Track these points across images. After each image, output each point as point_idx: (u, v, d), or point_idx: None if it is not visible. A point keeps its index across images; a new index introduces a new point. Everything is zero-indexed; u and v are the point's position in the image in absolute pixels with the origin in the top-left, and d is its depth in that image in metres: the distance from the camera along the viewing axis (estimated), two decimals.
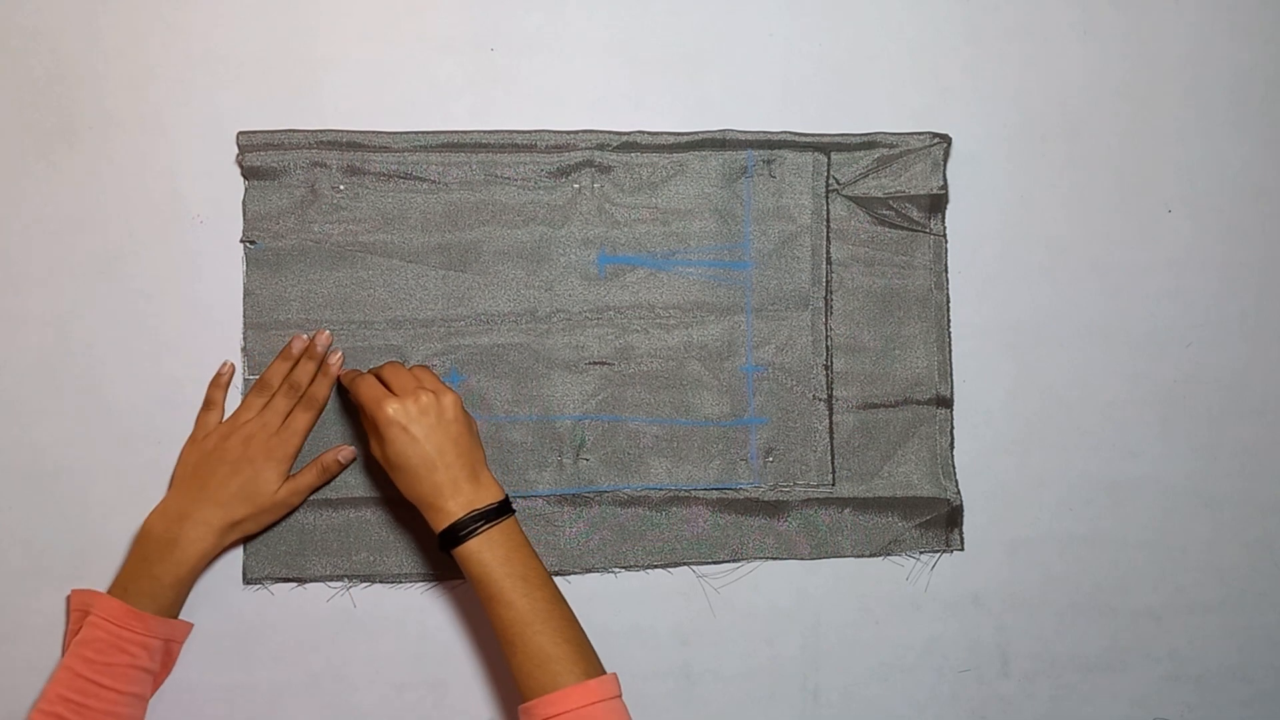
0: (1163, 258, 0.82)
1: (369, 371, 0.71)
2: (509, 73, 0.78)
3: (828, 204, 0.80)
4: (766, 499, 0.78)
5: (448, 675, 0.76)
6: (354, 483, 0.76)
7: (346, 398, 0.75)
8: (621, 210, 0.78)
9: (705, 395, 0.78)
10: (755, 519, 0.78)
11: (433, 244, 0.77)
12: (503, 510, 0.67)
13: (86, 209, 0.75)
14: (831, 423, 0.79)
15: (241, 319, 0.76)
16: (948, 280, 0.80)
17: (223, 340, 0.75)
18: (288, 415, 0.72)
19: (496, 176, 0.77)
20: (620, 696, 0.64)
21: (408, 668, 0.75)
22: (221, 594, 0.74)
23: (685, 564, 0.78)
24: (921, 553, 0.80)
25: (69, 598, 0.71)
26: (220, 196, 0.76)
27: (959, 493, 0.80)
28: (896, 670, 0.79)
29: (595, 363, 0.78)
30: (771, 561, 0.78)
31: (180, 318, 0.75)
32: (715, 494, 0.78)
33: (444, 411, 0.67)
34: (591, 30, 0.79)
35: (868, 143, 0.80)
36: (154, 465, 0.74)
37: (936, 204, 0.80)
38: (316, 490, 0.74)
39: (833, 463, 0.79)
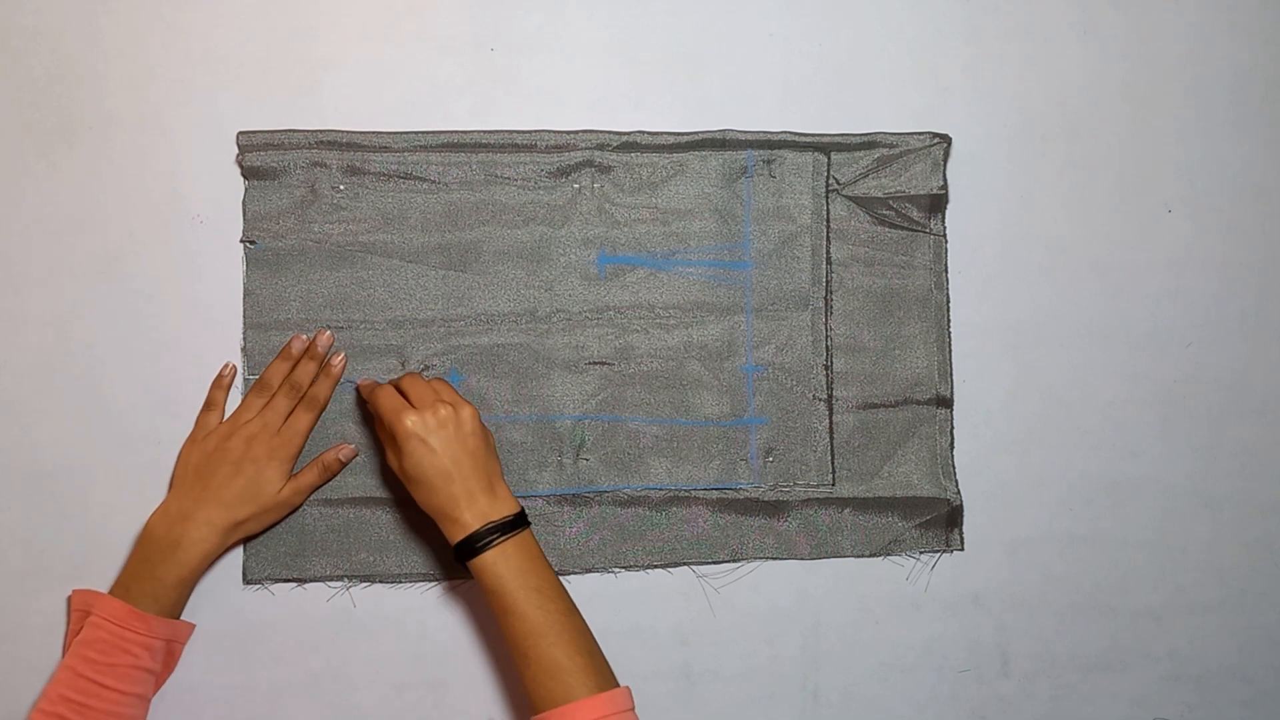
0: (1163, 258, 0.82)
1: (388, 383, 0.71)
2: (509, 73, 0.78)
3: (828, 204, 0.80)
4: (766, 499, 0.78)
5: (448, 675, 0.76)
6: (354, 483, 0.76)
7: (352, 402, 0.76)
8: (621, 210, 0.78)
9: (705, 395, 0.78)
10: (755, 519, 0.78)
11: (433, 244, 0.77)
12: (518, 523, 0.68)
13: (86, 209, 0.75)
14: (831, 423, 0.79)
15: (241, 319, 0.75)
16: (948, 280, 0.80)
17: (223, 340, 0.75)
18: (289, 415, 0.72)
19: (496, 176, 0.77)
20: (633, 710, 0.64)
21: (408, 668, 0.75)
22: (221, 594, 0.74)
23: (685, 564, 0.78)
24: (921, 553, 0.80)
25: (70, 598, 0.71)
26: (220, 196, 0.76)
27: (959, 493, 0.80)
28: (896, 670, 0.79)
29: (595, 363, 0.78)
30: (771, 561, 0.78)
31: (180, 318, 0.75)
32: (715, 494, 0.78)
33: (462, 424, 0.68)
34: (591, 30, 0.79)
35: (868, 143, 0.80)
36: (154, 465, 0.74)
37: (936, 204, 0.80)
38: (318, 489, 0.74)
39: (833, 463, 0.79)
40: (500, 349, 0.77)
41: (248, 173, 0.76)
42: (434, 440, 0.67)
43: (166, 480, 0.74)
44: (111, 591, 0.69)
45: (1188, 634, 0.82)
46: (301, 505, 0.74)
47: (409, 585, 0.76)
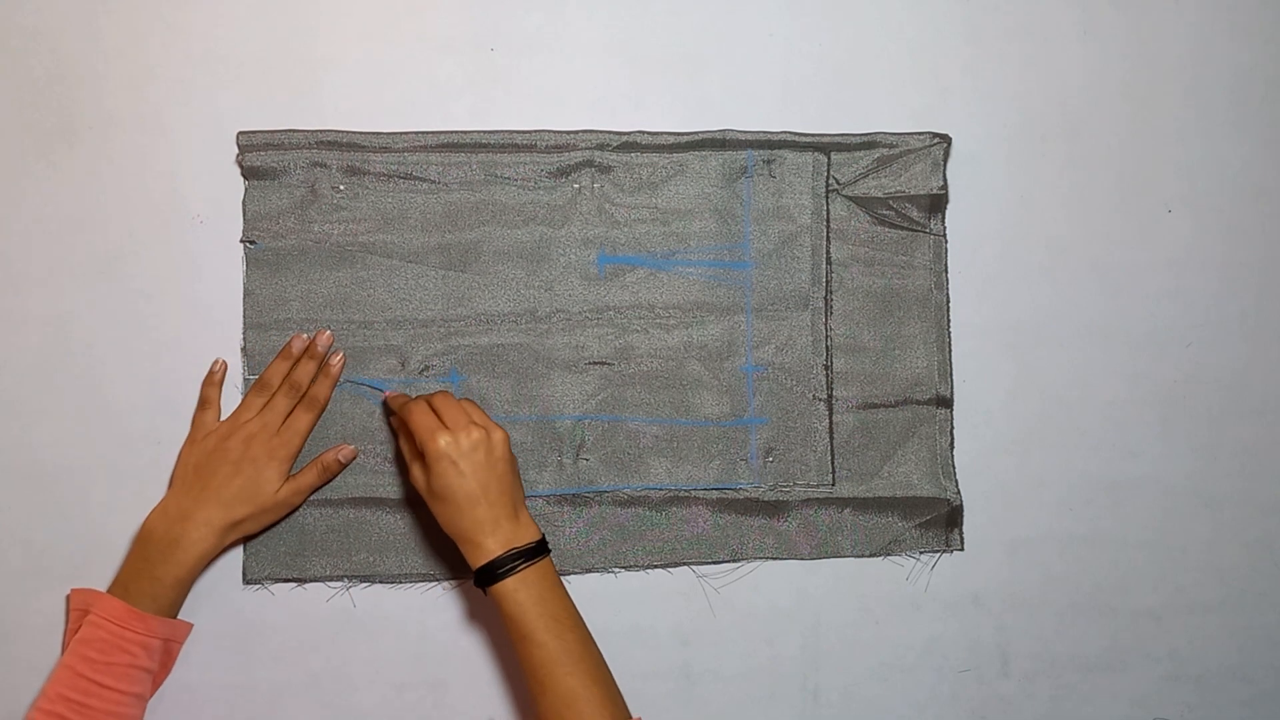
0: (1163, 258, 0.82)
1: (420, 398, 0.71)
2: (509, 73, 0.78)
3: (828, 204, 0.80)
4: (766, 499, 0.78)
5: (448, 675, 0.76)
6: (354, 483, 0.76)
7: (351, 402, 0.75)
8: (621, 210, 0.78)
9: (705, 395, 0.78)
10: (755, 519, 0.78)
11: (433, 244, 0.77)
12: (540, 550, 0.68)
13: (86, 209, 0.75)
14: (831, 423, 0.79)
15: (241, 319, 0.75)
16: (948, 280, 0.80)
17: (223, 340, 0.75)
18: (288, 415, 0.72)
19: (496, 176, 0.77)
20: None
21: (408, 668, 0.75)
22: (221, 594, 0.74)
23: (685, 564, 0.78)
24: (921, 553, 0.80)
25: (69, 597, 0.71)
26: (220, 196, 0.76)
27: (959, 493, 0.80)
28: (896, 670, 0.79)
29: (595, 363, 0.78)
30: (771, 561, 0.78)
31: (180, 318, 0.75)
32: (715, 494, 0.78)
33: (493, 449, 0.68)
34: (591, 30, 0.79)
35: (868, 143, 0.80)
36: (154, 465, 0.74)
37: (936, 204, 0.80)
38: (317, 490, 0.74)
39: (833, 463, 0.79)
40: (500, 349, 0.77)
41: (248, 173, 0.76)
42: (464, 463, 0.67)
43: (166, 480, 0.74)
44: (110, 590, 0.69)
45: (1188, 634, 0.82)
46: (300, 506, 0.74)
47: (409, 585, 0.76)
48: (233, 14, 0.77)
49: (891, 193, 0.80)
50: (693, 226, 0.79)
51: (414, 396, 0.73)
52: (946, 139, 0.80)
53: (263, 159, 0.76)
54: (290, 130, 0.76)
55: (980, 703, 0.80)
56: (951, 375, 0.80)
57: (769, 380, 0.79)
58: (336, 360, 0.75)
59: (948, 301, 0.80)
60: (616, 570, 0.77)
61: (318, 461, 0.73)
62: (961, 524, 0.80)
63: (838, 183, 0.80)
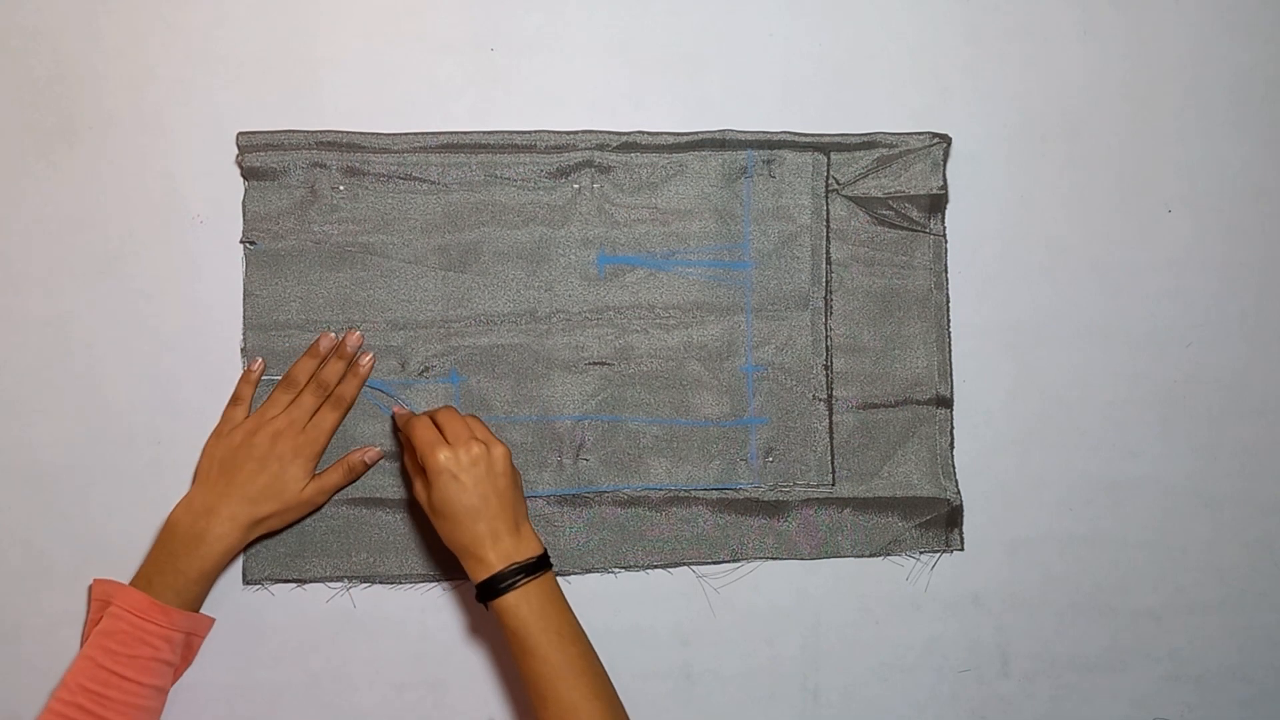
0: (1163, 258, 0.82)
1: (423, 414, 0.71)
2: (509, 73, 0.78)
3: (827, 204, 0.80)
4: (766, 499, 0.78)
5: (448, 675, 0.76)
6: (353, 484, 0.75)
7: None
8: (621, 210, 0.78)
9: (705, 395, 0.78)
10: (755, 519, 0.78)
11: (432, 245, 0.77)
12: (541, 564, 0.68)
13: (86, 209, 0.75)
14: (831, 423, 0.79)
15: (241, 319, 0.75)
16: (948, 280, 0.80)
17: (223, 340, 0.75)
18: (313, 413, 0.73)
19: (496, 177, 0.77)
20: None
21: (408, 668, 0.75)
22: (221, 594, 0.74)
23: (685, 564, 0.78)
24: (921, 553, 0.80)
25: (91, 587, 0.71)
26: (220, 196, 0.76)
27: (959, 493, 0.80)
28: (896, 670, 0.79)
29: (595, 363, 0.78)
30: (771, 561, 0.78)
31: (180, 318, 0.75)
32: (715, 494, 0.78)
33: (494, 464, 0.68)
34: (591, 30, 0.79)
35: (867, 143, 0.80)
36: (154, 465, 0.74)
37: (936, 204, 0.80)
38: (341, 490, 0.74)
39: (833, 463, 0.79)
40: (500, 349, 0.77)
41: (247, 173, 0.76)
42: (465, 477, 0.67)
43: (167, 480, 0.74)
44: (132, 583, 0.69)
45: (1188, 634, 0.82)
46: (324, 505, 0.74)
47: (409, 586, 0.76)
48: (233, 14, 0.77)
49: (891, 193, 0.80)
50: (692, 226, 0.79)
51: (419, 412, 0.73)
52: (946, 139, 0.80)
53: (262, 159, 0.76)
54: (290, 131, 0.76)
55: (980, 703, 0.80)
56: (951, 375, 0.80)
57: (769, 380, 0.79)
58: (366, 360, 0.75)
59: (948, 301, 0.80)
60: (616, 570, 0.77)
61: (344, 462, 0.73)
62: (961, 524, 0.80)
63: (837, 183, 0.80)
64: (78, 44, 0.75)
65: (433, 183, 0.77)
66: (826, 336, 0.79)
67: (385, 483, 0.76)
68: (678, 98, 0.79)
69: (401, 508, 0.76)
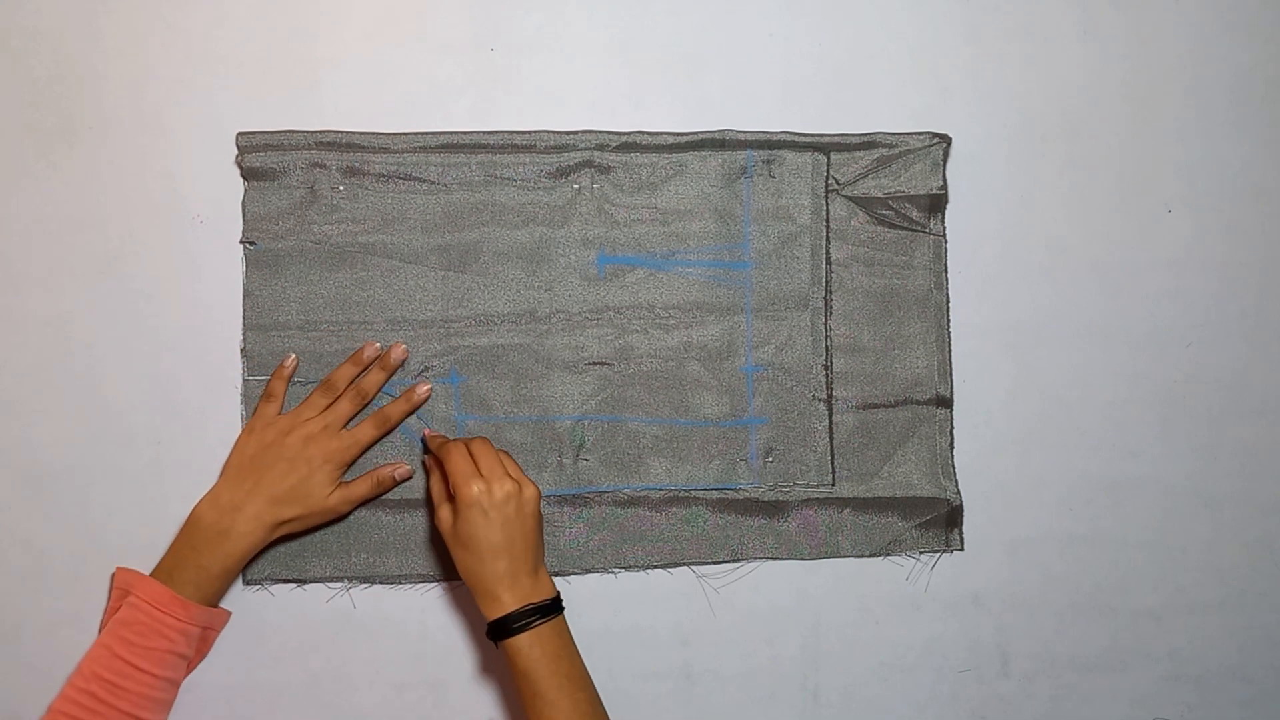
0: (1163, 258, 0.82)
1: (458, 440, 0.70)
2: (509, 73, 0.78)
3: (827, 204, 0.80)
4: (766, 499, 0.78)
5: (448, 675, 0.76)
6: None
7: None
8: (621, 210, 0.78)
9: (705, 395, 0.78)
10: (755, 519, 0.78)
11: (432, 245, 0.77)
12: (555, 607, 0.68)
13: (86, 209, 0.75)
14: (831, 423, 0.79)
15: (241, 319, 0.75)
16: (948, 280, 0.80)
17: (223, 340, 0.75)
18: (349, 420, 0.73)
19: (496, 177, 0.77)
20: None
21: (408, 668, 0.75)
22: None
23: (685, 564, 0.78)
24: (921, 553, 0.80)
25: (113, 575, 0.71)
26: (220, 197, 0.76)
27: (959, 493, 0.80)
28: (896, 670, 0.79)
29: (595, 363, 0.78)
30: (771, 561, 0.78)
31: (180, 318, 0.75)
32: (715, 494, 0.78)
33: (524, 504, 0.68)
34: (591, 30, 0.79)
35: (867, 143, 0.80)
36: (154, 465, 0.74)
37: (936, 204, 0.80)
38: (366, 503, 0.74)
39: (832, 463, 0.79)
40: (500, 349, 0.77)
41: (247, 174, 0.76)
42: (495, 514, 0.66)
43: (167, 480, 0.74)
44: (153, 575, 0.69)
45: (1188, 634, 0.82)
46: (348, 515, 0.74)
47: (409, 586, 0.76)
48: (233, 14, 0.77)
49: (891, 193, 0.80)
50: (692, 227, 0.79)
51: (453, 439, 0.72)
52: (946, 139, 0.80)
53: (262, 160, 0.76)
54: (290, 131, 0.76)
55: (980, 703, 0.80)
56: (951, 375, 0.80)
57: (769, 380, 0.79)
58: (423, 390, 0.75)
59: (948, 301, 0.80)
60: (616, 570, 0.77)
61: (373, 474, 0.73)
62: (961, 524, 0.80)
63: (837, 183, 0.80)
64: (78, 44, 0.75)
65: (433, 183, 0.77)
66: (826, 336, 0.79)
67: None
68: (678, 98, 0.79)
69: (401, 509, 0.76)
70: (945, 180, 0.80)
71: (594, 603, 0.76)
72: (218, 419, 0.75)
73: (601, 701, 0.68)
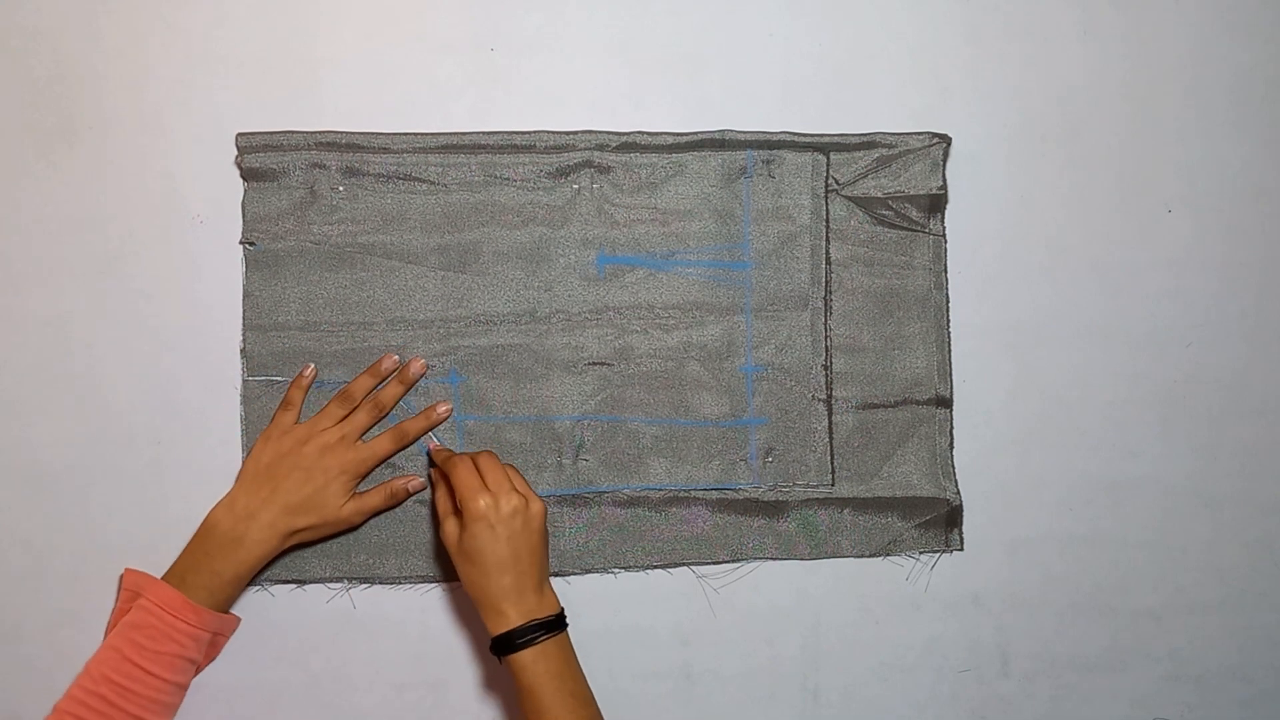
0: (1163, 258, 0.82)
1: (465, 455, 0.70)
2: (509, 73, 0.78)
3: (827, 204, 0.80)
4: (766, 499, 0.78)
5: (448, 675, 0.76)
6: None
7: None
8: (621, 211, 0.78)
9: (705, 395, 0.78)
10: (755, 519, 0.78)
11: (432, 245, 0.77)
12: (559, 623, 0.68)
13: (86, 209, 0.75)
14: (831, 423, 0.79)
15: (241, 319, 0.75)
16: (947, 280, 0.80)
17: (223, 340, 0.75)
18: (365, 432, 0.73)
19: (496, 177, 0.77)
20: None
21: (408, 668, 0.75)
22: None
23: (685, 564, 0.78)
24: (921, 553, 0.80)
25: (122, 576, 0.71)
26: (220, 197, 0.76)
27: (959, 493, 0.80)
28: (896, 670, 0.79)
29: (594, 363, 0.78)
30: (771, 561, 0.78)
31: (180, 318, 0.75)
32: (715, 494, 0.78)
33: (530, 519, 0.68)
34: (591, 30, 0.79)
35: (867, 143, 0.80)
36: (154, 465, 0.74)
37: (936, 204, 0.80)
38: (379, 514, 0.74)
39: (832, 463, 0.79)
40: (499, 350, 0.77)
41: (247, 174, 0.76)
42: (501, 528, 0.66)
43: (167, 480, 0.74)
44: (165, 578, 0.69)
45: (1188, 634, 0.82)
46: (360, 526, 0.74)
47: (409, 586, 0.76)
48: (233, 14, 0.77)
49: (891, 193, 0.80)
50: (692, 227, 0.79)
51: (459, 453, 0.72)
52: (946, 139, 0.80)
53: (262, 160, 0.76)
54: (289, 131, 0.76)
55: (980, 703, 0.80)
56: (951, 375, 0.80)
57: (768, 380, 0.79)
58: (444, 409, 0.75)
59: (947, 301, 0.80)
60: (616, 570, 0.77)
61: (387, 486, 0.73)
62: (961, 524, 0.80)
63: (837, 183, 0.80)
64: (78, 44, 0.75)
65: (432, 183, 0.77)
66: (826, 336, 0.79)
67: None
68: (678, 98, 0.79)
69: (400, 510, 0.76)
70: (945, 180, 0.80)
71: (594, 603, 0.76)
72: (218, 419, 0.75)
73: (602, 716, 0.68)
